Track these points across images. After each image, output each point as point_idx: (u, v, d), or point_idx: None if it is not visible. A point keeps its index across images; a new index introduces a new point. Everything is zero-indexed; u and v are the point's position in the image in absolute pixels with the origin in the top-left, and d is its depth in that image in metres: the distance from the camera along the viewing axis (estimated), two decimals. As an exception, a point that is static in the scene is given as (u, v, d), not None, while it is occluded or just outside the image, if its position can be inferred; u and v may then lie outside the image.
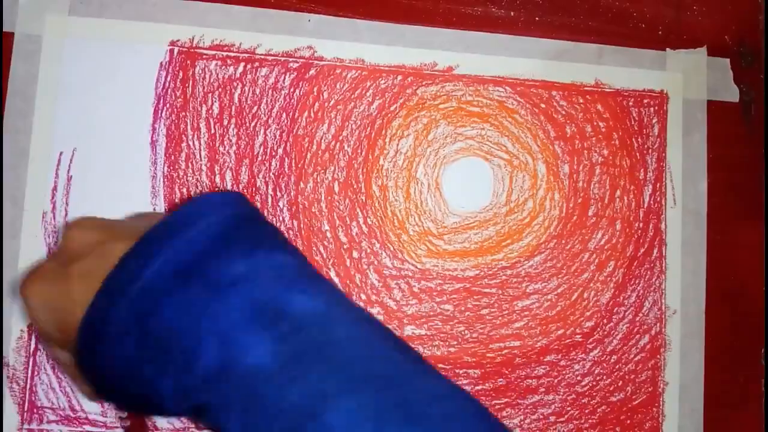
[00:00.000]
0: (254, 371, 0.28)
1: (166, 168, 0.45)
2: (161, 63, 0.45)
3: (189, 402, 0.30)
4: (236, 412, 0.28)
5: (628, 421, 0.47)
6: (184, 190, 0.45)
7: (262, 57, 0.46)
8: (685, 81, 0.50)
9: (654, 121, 0.49)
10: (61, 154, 0.44)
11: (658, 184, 0.49)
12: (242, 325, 0.28)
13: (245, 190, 0.45)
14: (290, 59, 0.46)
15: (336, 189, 0.46)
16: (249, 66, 0.46)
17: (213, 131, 0.45)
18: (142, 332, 0.29)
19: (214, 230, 0.31)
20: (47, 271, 0.33)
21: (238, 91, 0.46)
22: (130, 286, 0.30)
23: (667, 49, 0.50)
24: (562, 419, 0.46)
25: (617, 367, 0.47)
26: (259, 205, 0.45)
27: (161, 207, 0.45)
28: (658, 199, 0.49)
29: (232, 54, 0.46)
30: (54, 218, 0.44)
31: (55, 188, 0.44)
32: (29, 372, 0.43)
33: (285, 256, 0.32)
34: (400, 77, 0.47)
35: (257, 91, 0.46)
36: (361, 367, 0.28)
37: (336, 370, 0.28)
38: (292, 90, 0.46)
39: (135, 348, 0.30)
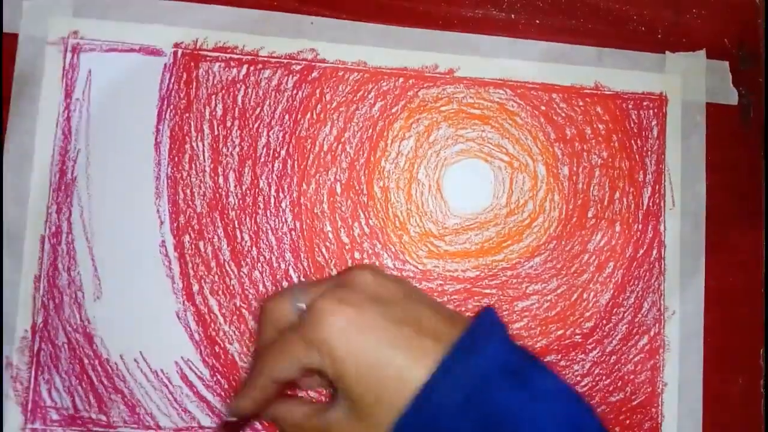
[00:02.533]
0: None
1: (169, 169, 0.45)
2: (165, 65, 0.45)
3: None
4: None
5: (628, 422, 0.47)
6: (188, 191, 0.45)
7: (265, 59, 0.46)
8: (684, 84, 0.50)
9: (653, 123, 0.50)
10: (64, 155, 0.44)
11: (657, 186, 0.49)
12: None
13: (248, 191, 0.45)
14: (293, 62, 0.47)
15: (338, 190, 0.46)
16: (252, 68, 0.46)
17: (216, 133, 0.46)
18: (475, 420, 0.33)
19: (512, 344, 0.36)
20: (361, 303, 0.36)
21: (242, 93, 0.46)
22: (466, 376, 0.33)
23: (667, 51, 0.50)
24: (562, 419, 0.47)
25: (616, 367, 0.48)
26: (261, 206, 0.46)
27: (165, 208, 0.45)
28: (657, 200, 0.49)
29: (236, 56, 0.46)
30: (57, 219, 0.44)
31: (58, 189, 0.44)
32: (33, 372, 0.43)
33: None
34: (401, 80, 0.48)
35: (260, 93, 0.46)
36: None
37: None
38: (294, 92, 0.47)
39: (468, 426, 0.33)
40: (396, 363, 0.34)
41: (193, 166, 0.45)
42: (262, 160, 0.46)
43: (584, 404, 0.34)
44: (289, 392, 0.42)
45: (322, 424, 0.37)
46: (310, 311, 0.36)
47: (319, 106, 0.47)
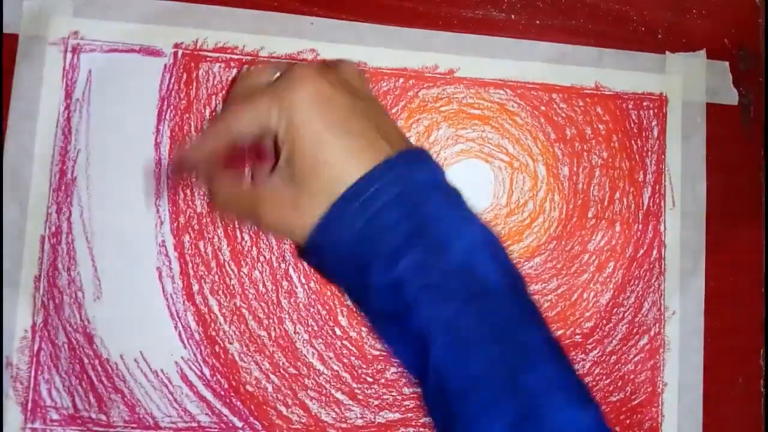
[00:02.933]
0: (485, 282, 0.34)
1: (169, 169, 0.45)
2: (165, 65, 0.45)
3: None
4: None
5: (628, 421, 0.47)
6: (188, 191, 0.45)
7: (266, 59, 0.46)
8: (685, 84, 0.50)
9: (653, 123, 0.50)
10: (64, 155, 0.44)
11: (657, 186, 0.49)
12: (483, 247, 0.35)
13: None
14: (293, 62, 0.47)
15: (338, 190, 0.46)
16: (252, 68, 0.46)
17: (216, 133, 0.46)
18: (408, 215, 0.34)
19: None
20: (335, 78, 0.37)
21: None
22: (404, 179, 0.35)
23: (667, 52, 0.50)
24: (562, 419, 0.47)
25: (617, 367, 0.48)
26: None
27: (165, 208, 0.45)
28: (658, 200, 0.49)
29: (236, 56, 0.46)
30: (57, 219, 0.44)
31: (58, 189, 0.44)
32: (33, 371, 0.43)
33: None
34: (401, 80, 0.48)
35: (260, 93, 0.46)
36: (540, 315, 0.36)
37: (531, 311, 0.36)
38: (294, 92, 0.46)
39: (398, 218, 0.34)
40: (348, 147, 0.35)
41: (193, 166, 0.45)
42: (262, 160, 0.46)
43: (495, 232, 0.37)
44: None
45: (256, 191, 0.38)
46: (287, 72, 0.37)
47: (319, 106, 0.47)
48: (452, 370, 0.33)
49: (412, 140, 0.47)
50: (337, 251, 0.35)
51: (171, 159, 0.44)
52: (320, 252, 0.36)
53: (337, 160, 0.35)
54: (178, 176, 0.44)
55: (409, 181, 0.35)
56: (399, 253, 0.34)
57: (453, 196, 0.36)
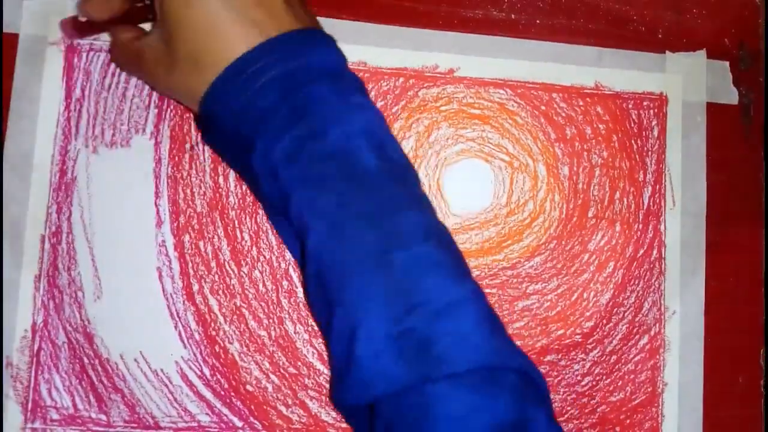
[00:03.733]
0: (362, 167, 0.34)
1: (170, 169, 0.45)
2: (165, 65, 0.45)
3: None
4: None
5: (628, 421, 0.47)
6: (188, 191, 0.45)
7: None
8: (685, 83, 0.50)
9: (653, 123, 0.50)
10: (64, 155, 0.44)
11: (657, 186, 0.49)
12: (360, 135, 0.34)
13: (248, 191, 0.45)
14: None
15: (338, 190, 0.46)
16: (252, 68, 0.46)
17: (216, 132, 0.46)
18: (288, 98, 0.34)
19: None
20: None
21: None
22: (290, 60, 0.35)
23: (667, 51, 0.50)
24: (562, 419, 0.47)
25: (617, 367, 0.48)
26: (261, 206, 0.46)
27: (165, 208, 0.45)
28: (658, 200, 0.49)
29: (236, 56, 0.46)
30: (57, 219, 0.44)
31: (58, 189, 0.44)
32: (33, 371, 0.43)
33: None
34: (401, 79, 0.48)
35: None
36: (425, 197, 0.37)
37: (414, 193, 0.37)
38: (294, 92, 0.46)
39: (277, 100, 0.34)
40: (228, 18, 0.35)
41: (194, 165, 0.45)
42: (262, 159, 0.46)
43: (383, 119, 0.37)
44: None
45: (138, 45, 0.39)
46: None
47: (319, 105, 0.47)
48: (327, 256, 0.33)
49: (412, 140, 0.47)
50: (222, 128, 0.35)
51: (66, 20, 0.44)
52: (209, 127, 0.37)
53: (226, 29, 0.35)
54: (74, 33, 0.44)
55: (295, 63, 0.34)
56: (274, 139, 0.34)
57: (346, 83, 0.36)
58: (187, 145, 0.44)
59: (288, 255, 0.45)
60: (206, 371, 0.44)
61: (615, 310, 0.48)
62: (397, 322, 0.32)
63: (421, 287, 0.32)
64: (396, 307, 0.32)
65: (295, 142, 0.34)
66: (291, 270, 0.46)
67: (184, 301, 0.44)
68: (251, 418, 0.44)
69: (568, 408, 0.47)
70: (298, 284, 0.45)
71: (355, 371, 0.32)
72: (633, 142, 0.50)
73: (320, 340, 0.45)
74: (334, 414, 0.45)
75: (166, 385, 0.44)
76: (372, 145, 0.34)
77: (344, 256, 0.33)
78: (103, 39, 0.45)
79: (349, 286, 0.33)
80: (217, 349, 0.45)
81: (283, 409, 0.45)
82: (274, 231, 0.44)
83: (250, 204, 0.46)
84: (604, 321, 0.48)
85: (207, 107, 0.36)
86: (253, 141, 0.34)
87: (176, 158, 0.45)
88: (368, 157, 0.34)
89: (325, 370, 0.45)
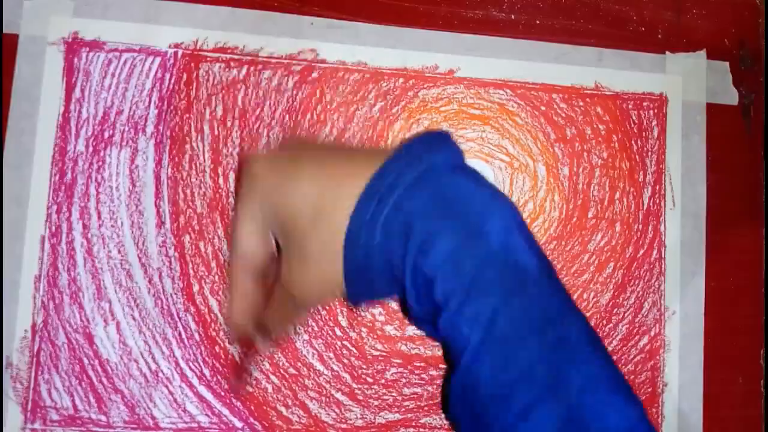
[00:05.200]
0: (525, 269, 0.31)
1: (170, 169, 0.45)
2: (165, 65, 0.45)
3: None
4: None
5: (628, 422, 0.47)
6: (188, 191, 0.45)
7: (266, 60, 0.46)
8: (685, 84, 0.50)
9: (653, 123, 0.50)
10: (64, 155, 0.44)
11: (657, 186, 0.49)
12: (517, 228, 0.32)
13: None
14: (293, 62, 0.47)
15: (338, 190, 0.46)
16: (252, 68, 0.46)
17: (216, 133, 0.46)
18: (432, 196, 0.31)
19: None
20: (272, 150, 0.37)
21: (242, 93, 0.46)
22: (418, 164, 0.32)
23: (667, 52, 0.50)
24: (562, 419, 0.47)
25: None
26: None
27: (165, 209, 0.45)
28: (658, 201, 0.49)
29: (236, 56, 0.46)
30: (58, 219, 0.44)
31: (58, 189, 0.44)
32: (33, 372, 0.43)
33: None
34: (401, 80, 0.48)
35: (260, 93, 0.46)
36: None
37: (568, 297, 0.33)
38: (294, 92, 0.47)
39: (421, 204, 0.31)
40: (328, 179, 0.33)
41: (194, 166, 0.45)
42: (263, 160, 0.46)
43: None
44: None
45: (278, 292, 0.36)
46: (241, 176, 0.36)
47: (319, 106, 0.47)
48: (487, 372, 0.30)
49: (413, 140, 0.47)
50: (373, 264, 0.32)
51: (232, 371, 0.43)
52: (359, 277, 0.33)
53: (324, 210, 0.32)
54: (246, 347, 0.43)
55: (426, 164, 0.32)
56: (429, 241, 0.30)
57: (476, 176, 0.33)
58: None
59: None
60: (206, 371, 0.44)
61: (615, 310, 0.48)
62: None
63: (597, 412, 0.29)
64: None
65: (453, 242, 0.30)
66: (291, 270, 0.45)
67: (184, 301, 0.44)
68: (251, 419, 0.44)
69: (568, 408, 0.47)
70: (298, 284, 0.45)
71: None
72: (633, 142, 0.50)
73: (320, 340, 0.45)
74: (334, 414, 0.45)
75: (166, 386, 0.44)
76: (527, 242, 0.31)
77: (508, 372, 0.29)
78: (104, 38, 0.45)
79: (513, 406, 0.29)
80: (217, 350, 0.45)
81: (283, 409, 0.45)
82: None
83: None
84: (604, 321, 0.48)
85: (351, 247, 0.32)
86: (404, 254, 0.31)
87: (176, 159, 0.45)
88: (529, 256, 0.31)
89: (326, 371, 0.45)
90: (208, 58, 0.46)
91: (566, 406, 0.29)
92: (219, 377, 0.44)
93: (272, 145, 0.39)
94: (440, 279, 0.30)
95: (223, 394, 0.44)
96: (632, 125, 0.50)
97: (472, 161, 0.48)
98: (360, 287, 0.34)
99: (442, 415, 0.45)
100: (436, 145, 0.33)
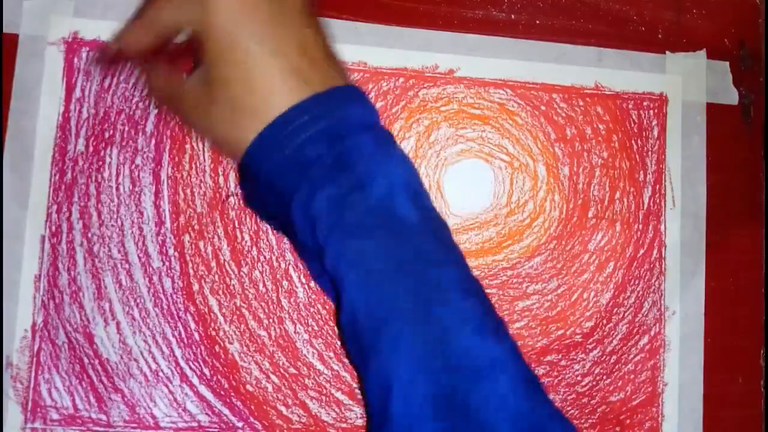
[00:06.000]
0: (403, 221, 0.34)
1: (170, 169, 0.45)
2: (165, 65, 0.45)
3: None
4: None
5: (628, 421, 0.47)
6: (188, 191, 0.45)
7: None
8: (685, 84, 0.50)
9: (653, 123, 0.50)
10: (64, 155, 0.44)
11: (657, 186, 0.49)
12: (402, 188, 0.34)
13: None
14: None
15: (338, 190, 0.46)
16: (252, 68, 0.46)
17: (216, 133, 0.46)
18: (332, 150, 0.34)
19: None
20: None
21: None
22: (334, 114, 0.35)
23: (667, 52, 0.50)
24: (562, 419, 0.47)
25: (617, 367, 0.48)
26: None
27: (166, 208, 0.45)
28: (658, 200, 0.49)
29: (236, 56, 0.46)
30: (57, 219, 0.44)
31: (58, 189, 0.44)
32: (33, 371, 0.43)
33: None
34: (402, 80, 0.48)
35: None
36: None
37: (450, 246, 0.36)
38: (294, 92, 0.46)
39: (323, 150, 0.34)
40: (275, 67, 0.35)
41: (194, 165, 0.45)
42: (263, 160, 0.46)
43: (417, 173, 0.37)
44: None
45: (176, 86, 0.38)
46: None
47: (319, 106, 0.47)
48: (362, 305, 0.33)
49: (412, 140, 0.47)
50: (265, 178, 0.35)
51: (99, 53, 0.43)
52: (250, 175, 0.36)
53: (273, 79, 0.34)
54: (105, 63, 0.43)
55: (338, 117, 0.35)
56: (317, 187, 0.33)
57: (382, 137, 0.36)
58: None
59: (288, 255, 0.45)
60: (206, 371, 0.44)
61: (615, 310, 0.48)
62: (435, 381, 0.31)
63: (461, 345, 0.31)
64: (434, 365, 0.31)
65: (338, 191, 0.33)
66: (291, 270, 0.46)
67: (184, 301, 0.44)
68: (251, 418, 0.44)
69: (568, 408, 0.47)
70: (299, 284, 0.45)
71: (390, 428, 0.31)
72: (633, 142, 0.50)
73: (320, 340, 0.45)
74: (334, 414, 0.45)
75: (166, 386, 0.44)
76: (410, 200, 0.34)
77: (381, 306, 0.32)
78: (104, 38, 0.45)
79: (386, 337, 0.32)
80: (217, 349, 0.45)
81: (283, 409, 0.45)
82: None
83: None
84: (604, 321, 0.48)
85: (251, 156, 0.35)
86: (296, 189, 0.34)
87: (176, 158, 0.45)
88: (407, 212, 0.34)
89: (326, 370, 0.45)
90: (208, 58, 0.46)
91: (432, 340, 0.31)
92: (219, 376, 0.44)
93: None
94: (322, 222, 0.33)
95: (223, 393, 0.44)
96: (632, 125, 0.50)
97: (472, 161, 0.48)
98: (252, 198, 0.38)
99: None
100: (350, 102, 0.36)
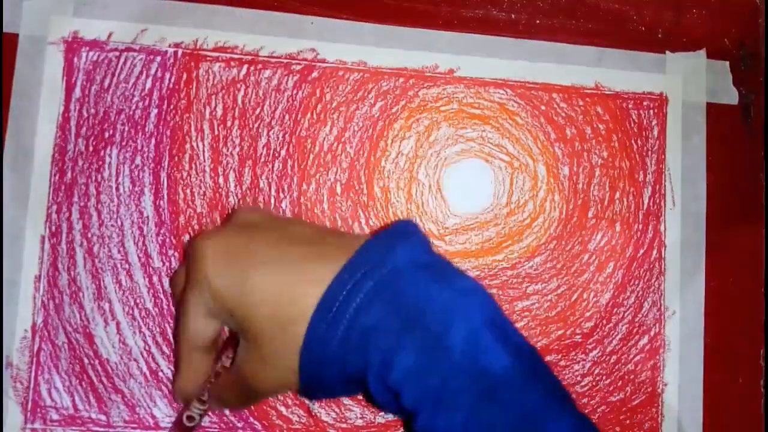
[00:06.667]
0: (494, 374, 0.29)
1: (170, 169, 0.45)
2: (165, 65, 0.45)
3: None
4: (464, 409, 0.29)
5: (628, 421, 0.47)
6: (188, 191, 0.45)
7: (265, 59, 0.46)
8: (685, 83, 0.50)
9: (653, 123, 0.50)
10: (64, 155, 0.44)
11: (657, 186, 0.49)
12: (484, 329, 0.30)
13: (248, 191, 0.46)
14: (293, 61, 0.47)
15: (338, 190, 0.46)
16: (252, 68, 0.46)
17: (216, 133, 0.46)
18: (392, 308, 0.30)
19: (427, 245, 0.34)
20: (226, 230, 0.35)
21: (242, 93, 0.46)
22: (377, 269, 0.31)
23: (667, 51, 0.50)
24: (562, 419, 0.47)
25: (617, 367, 0.48)
26: (261, 205, 0.46)
27: (165, 208, 0.45)
28: (658, 200, 0.49)
29: (236, 56, 0.46)
30: (57, 219, 0.44)
31: (58, 189, 0.44)
32: (33, 371, 0.43)
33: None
34: (401, 79, 0.48)
35: (260, 93, 0.46)
36: (564, 390, 0.33)
37: (552, 389, 0.31)
38: (294, 92, 0.47)
39: (381, 311, 0.30)
40: (285, 284, 0.32)
41: (193, 166, 0.45)
42: (262, 160, 0.46)
43: (494, 301, 0.33)
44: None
45: (234, 376, 0.36)
46: (190, 253, 0.35)
47: (319, 105, 0.47)
48: None
49: (412, 140, 0.48)
50: (330, 374, 0.32)
51: (174, 424, 0.41)
52: (317, 384, 0.33)
53: (295, 279, 0.32)
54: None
55: (381, 269, 0.31)
56: (390, 358, 0.30)
57: (437, 269, 0.32)
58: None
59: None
60: (206, 371, 0.44)
61: (615, 310, 0.48)
62: None
63: None
64: None
65: (414, 357, 0.30)
66: (291, 270, 0.45)
67: (184, 301, 0.44)
68: (251, 419, 0.44)
69: (568, 408, 0.47)
70: (298, 284, 0.45)
71: None
72: (633, 142, 0.50)
73: (320, 340, 0.45)
74: (334, 414, 0.45)
75: (166, 386, 0.44)
76: (496, 339, 0.30)
77: None
78: (104, 39, 0.45)
79: None
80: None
81: (283, 409, 0.45)
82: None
83: (250, 204, 0.45)
84: (604, 321, 0.48)
85: (308, 358, 0.32)
86: (365, 370, 0.31)
87: (176, 158, 0.45)
88: (498, 355, 0.30)
89: (325, 370, 0.45)
90: (208, 58, 0.46)
91: None
92: (219, 377, 0.44)
93: (229, 218, 0.38)
94: (406, 393, 0.30)
95: (223, 393, 0.44)
96: (632, 125, 0.50)
97: (472, 161, 0.48)
98: (317, 393, 0.34)
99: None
100: (399, 240, 0.33)
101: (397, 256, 0.32)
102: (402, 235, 0.34)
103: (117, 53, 0.45)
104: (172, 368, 0.43)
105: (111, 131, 0.45)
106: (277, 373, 0.34)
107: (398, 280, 0.31)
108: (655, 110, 0.50)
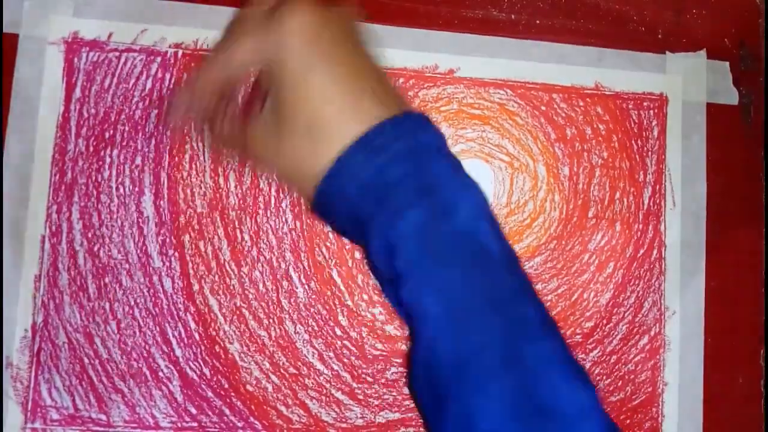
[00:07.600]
0: (489, 251, 0.32)
1: (170, 169, 0.45)
2: (165, 65, 0.45)
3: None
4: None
5: (628, 421, 0.47)
6: (188, 191, 0.45)
7: None
8: (685, 84, 0.50)
9: (654, 123, 0.50)
10: (64, 155, 0.44)
11: (657, 186, 0.49)
12: (485, 220, 0.33)
13: (248, 192, 0.45)
14: None
15: (338, 190, 0.46)
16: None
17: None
18: (415, 174, 0.33)
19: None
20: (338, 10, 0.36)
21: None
22: (412, 137, 0.34)
23: (667, 52, 0.50)
24: (562, 419, 0.47)
25: (617, 367, 0.48)
26: (261, 206, 0.46)
27: (166, 208, 0.45)
28: (658, 200, 0.49)
29: (236, 56, 0.46)
30: (57, 219, 0.44)
31: (58, 189, 0.44)
32: (33, 371, 0.43)
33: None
34: (402, 80, 0.48)
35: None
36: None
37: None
38: (294, 92, 0.46)
39: (404, 174, 0.33)
40: (350, 99, 0.34)
41: (194, 165, 0.45)
42: (263, 160, 0.46)
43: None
44: None
45: (245, 131, 0.37)
46: (284, 3, 0.35)
47: (319, 106, 0.47)
48: (447, 343, 0.31)
49: (412, 140, 0.47)
50: (342, 204, 0.34)
51: (167, 103, 0.41)
52: (326, 205, 0.35)
53: (348, 104, 0.34)
54: (175, 117, 0.40)
55: (415, 140, 0.34)
56: (401, 211, 0.32)
57: (457, 163, 0.35)
58: None
59: (288, 255, 0.45)
60: (206, 371, 0.44)
61: (615, 310, 0.48)
62: (526, 429, 0.29)
63: (550, 390, 0.30)
64: (524, 411, 0.29)
65: (425, 216, 0.32)
66: (291, 270, 0.46)
67: (184, 301, 0.44)
68: (251, 418, 0.44)
69: (568, 408, 0.47)
70: (299, 284, 0.46)
71: None
72: (633, 142, 0.50)
73: (320, 340, 0.45)
74: (334, 414, 0.45)
75: (165, 386, 0.44)
76: (493, 229, 0.33)
77: (468, 344, 0.30)
78: (104, 38, 0.45)
79: (473, 379, 0.30)
80: (217, 349, 0.45)
81: (283, 409, 0.45)
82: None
83: (250, 204, 0.46)
84: (604, 321, 0.48)
85: (329, 182, 0.34)
86: (376, 213, 0.33)
87: (176, 158, 0.45)
88: (491, 240, 0.32)
89: (326, 370, 0.45)
90: (208, 58, 0.46)
91: (521, 383, 0.29)
92: (219, 376, 0.44)
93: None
94: (403, 249, 0.32)
95: (223, 393, 0.44)
96: (632, 125, 0.50)
97: (472, 161, 0.48)
98: (325, 217, 0.36)
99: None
100: (423, 126, 0.35)
101: (425, 135, 0.34)
102: (427, 122, 0.36)
103: (117, 53, 0.45)
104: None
105: (111, 131, 0.45)
106: (292, 163, 0.35)
107: (424, 155, 0.33)
108: (655, 110, 0.50)
